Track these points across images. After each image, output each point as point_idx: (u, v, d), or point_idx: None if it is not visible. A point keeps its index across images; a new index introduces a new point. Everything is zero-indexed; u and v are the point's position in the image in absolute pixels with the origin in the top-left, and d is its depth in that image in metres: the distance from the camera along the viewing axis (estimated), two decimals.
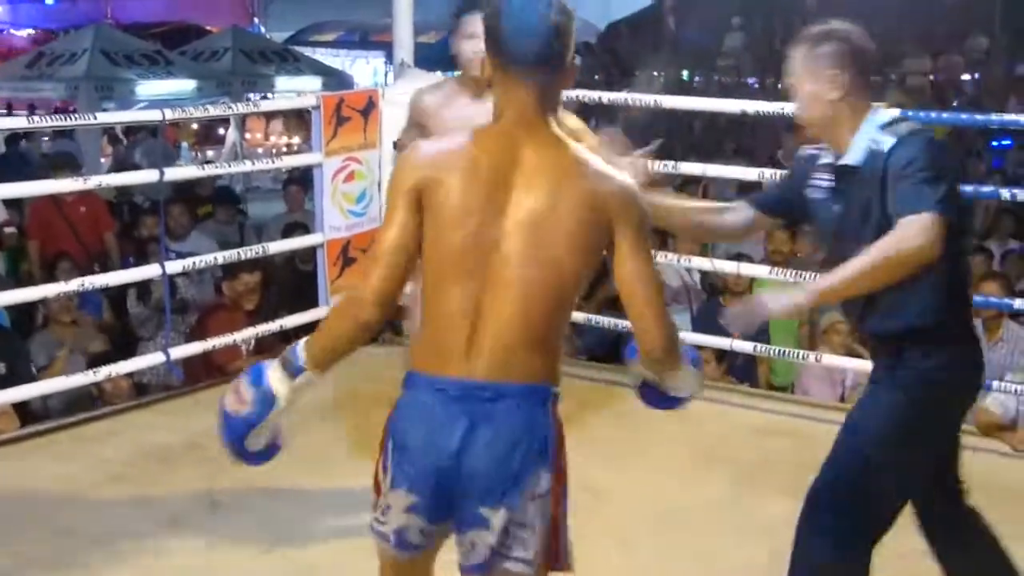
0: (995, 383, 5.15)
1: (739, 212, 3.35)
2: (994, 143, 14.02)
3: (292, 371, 2.31)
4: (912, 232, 2.72)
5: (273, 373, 2.33)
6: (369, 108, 5.96)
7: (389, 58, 22.71)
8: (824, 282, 2.92)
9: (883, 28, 22.15)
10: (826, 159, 3.11)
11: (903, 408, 2.96)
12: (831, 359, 5.55)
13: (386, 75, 20.91)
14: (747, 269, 6.03)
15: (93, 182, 5.54)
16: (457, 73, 3.98)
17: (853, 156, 2.98)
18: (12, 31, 26.74)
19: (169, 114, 5.30)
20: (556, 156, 2.32)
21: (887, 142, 2.88)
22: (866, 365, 5.36)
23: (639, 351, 2.44)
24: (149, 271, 5.60)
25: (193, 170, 8.12)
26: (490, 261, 2.26)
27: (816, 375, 5.91)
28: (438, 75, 6.26)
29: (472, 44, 3.65)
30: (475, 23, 3.53)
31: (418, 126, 3.82)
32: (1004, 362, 5.94)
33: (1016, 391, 5.05)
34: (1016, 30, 19.48)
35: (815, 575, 3.09)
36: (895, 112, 3.02)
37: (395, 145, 4.11)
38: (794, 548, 3.10)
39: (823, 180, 3.11)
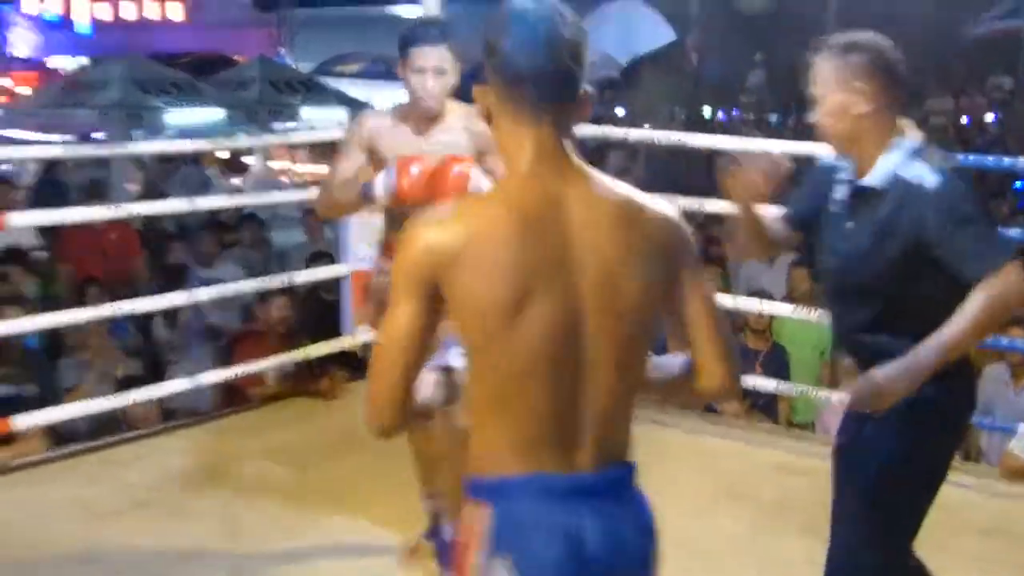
0: (1021, 426, 5.14)
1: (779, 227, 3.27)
2: (1018, 184, 13.97)
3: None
4: (1012, 287, 2.66)
5: None
6: None
7: None
8: (941, 346, 2.67)
9: (904, 66, 22.24)
10: (845, 174, 3.00)
11: (914, 425, 2.85)
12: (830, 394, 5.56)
13: None
14: (769, 307, 6.04)
15: (128, 211, 5.57)
16: (405, 103, 3.69)
17: (878, 178, 2.87)
18: (48, 60, 26.89)
19: (208, 144, 5.35)
20: (602, 198, 1.95)
21: (927, 178, 2.75)
22: None
23: (696, 387, 2.09)
24: (180, 298, 5.64)
25: (224, 199, 8.13)
26: (574, 340, 1.89)
27: (837, 414, 5.90)
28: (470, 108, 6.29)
29: (419, 79, 3.49)
30: (424, 56, 3.49)
31: (367, 150, 3.64)
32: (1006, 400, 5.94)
33: None
34: (894, 81, 19.46)
35: None
36: (920, 136, 2.90)
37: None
38: None
39: (839, 194, 3.02)
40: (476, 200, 2.08)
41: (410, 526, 4.14)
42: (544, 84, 1.89)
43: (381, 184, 3.38)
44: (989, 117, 18.72)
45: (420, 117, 3.61)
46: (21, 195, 10.43)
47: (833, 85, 2.87)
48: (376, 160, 3.61)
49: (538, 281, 1.85)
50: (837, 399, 5.40)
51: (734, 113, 23.13)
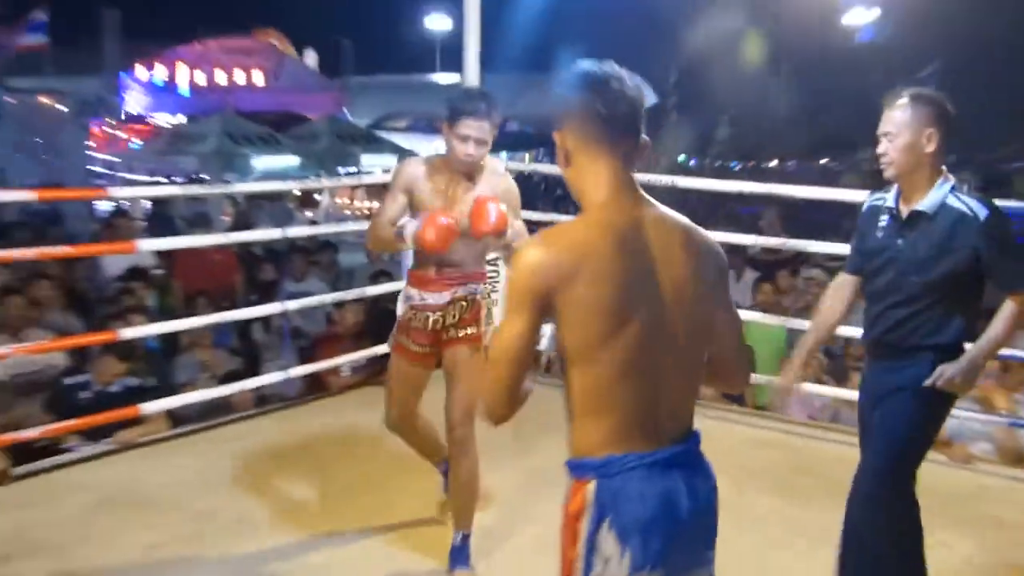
0: None
1: (846, 287, 3.37)
2: None
3: None
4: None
5: None
6: None
7: None
8: (979, 353, 2.98)
9: (840, 123, 22.28)
10: (889, 203, 3.12)
11: (934, 397, 3.03)
12: (807, 386, 5.56)
13: None
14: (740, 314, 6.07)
15: (230, 238, 5.63)
16: (441, 154, 3.54)
17: (929, 205, 2.98)
18: (154, 116, 27.08)
19: (287, 184, 5.36)
20: (669, 224, 1.97)
21: (979, 209, 2.92)
22: (833, 392, 5.42)
23: (722, 382, 2.22)
24: (273, 307, 5.70)
25: (307, 229, 8.21)
26: (659, 343, 1.90)
27: (794, 400, 5.88)
28: (496, 157, 6.31)
29: (463, 145, 3.32)
30: (470, 127, 3.31)
31: (405, 191, 3.48)
32: None
33: (953, 417, 5.03)
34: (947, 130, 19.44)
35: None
36: (949, 182, 3.01)
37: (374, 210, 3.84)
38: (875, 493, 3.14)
39: (886, 219, 3.12)
40: (574, 224, 1.96)
41: None
42: (620, 129, 1.93)
43: (410, 230, 3.33)
44: None
45: (455, 170, 3.46)
46: (138, 225, 10.48)
47: (907, 127, 2.98)
48: (415, 200, 3.48)
49: (633, 293, 1.88)
50: (784, 383, 5.42)
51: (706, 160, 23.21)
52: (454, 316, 3.52)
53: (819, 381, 5.66)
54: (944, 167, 3.03)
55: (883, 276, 3.14)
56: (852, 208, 13.85)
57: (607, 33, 29.02)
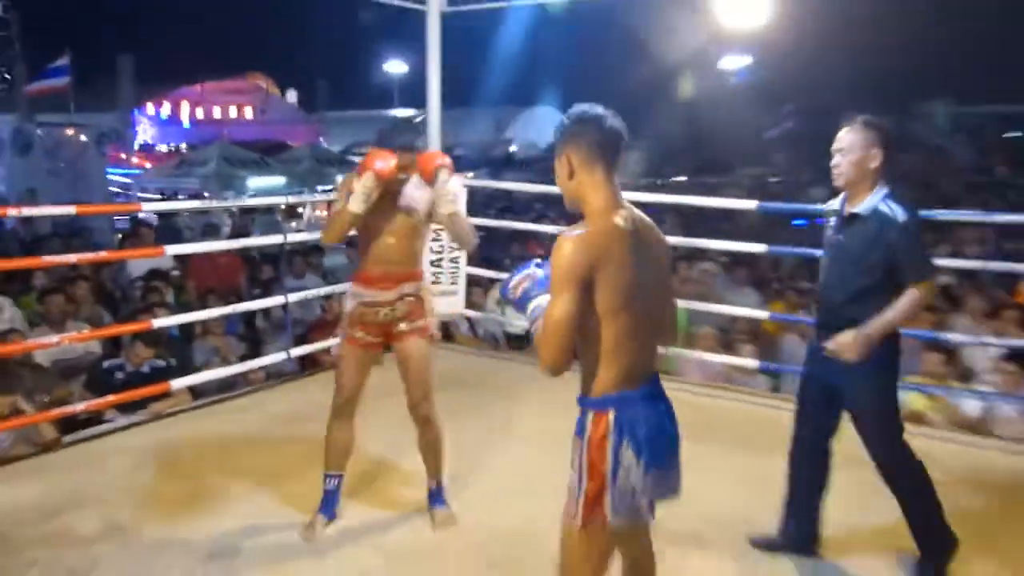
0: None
1: None
2: (794, 222, 14.29)
3: (537, 316, 2.13)
4: (928, 295, 2.97)
5: (530, 304, 2.16)
6: None
7: None
8: (873, 328, 2.94)
9: (720, 148, 22.64)
10: (837, 207, 3.16)
11: (891, 367, 3.10)
12: (705, 355, 5.65)
13: None
14: None
15: (243, 243, 5.56)
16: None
17: (864, 208, 3.01)
18: (160, 145, 26.59)
19: (275, 200, 5.23)
20: (647, 222, 2.21)
21: (899, 213, 2.94)
22: (726, 359, 5.47)
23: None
24: (275, 300, 5.63)
25: (304, 235, 8.09)
26: (652, 309, 2.15)
27: (691, 366, 5.91)
28: (455, 177, 6.28)
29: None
30: (400, 157, 3.20)
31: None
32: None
33: None
34: (804, 155, 19.98)
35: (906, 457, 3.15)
36: (885, 189, 3.03)
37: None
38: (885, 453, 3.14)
39: (835, 220, 3.18)
40: (594, 223, 2.08)
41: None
42: (612, 152, 2.15)
43: (367, 176, 3.17)
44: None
45: (390, 187, 3.28)
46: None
47: (857, 146, 3.02)
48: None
49: (639, 274, 2.10)
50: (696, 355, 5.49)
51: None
52: (402, 310, 3.40)
53: (714, 351, 5.73)
54: (883, 179, 3.04)
55: (831, 266, 3.17)
56: (731, 213, 14.09)
57: (530, 74, 29.20)
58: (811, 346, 3.31)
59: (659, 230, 2.23)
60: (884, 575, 3.22)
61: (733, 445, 4.42)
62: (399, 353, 3.46)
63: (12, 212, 4.32)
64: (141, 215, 11.81)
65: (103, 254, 5.34)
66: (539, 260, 2.25)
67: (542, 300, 2.14)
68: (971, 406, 4.71)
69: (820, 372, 3.21)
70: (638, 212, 2.19)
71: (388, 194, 3.31)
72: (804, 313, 6.38)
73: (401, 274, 3.39)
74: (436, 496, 3.59)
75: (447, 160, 3.32)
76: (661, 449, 2.15)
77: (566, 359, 2.03)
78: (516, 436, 4.54)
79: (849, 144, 3.03)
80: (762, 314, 6.14)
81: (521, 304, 2.20)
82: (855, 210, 3.05)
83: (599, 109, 2.16)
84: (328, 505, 3.50)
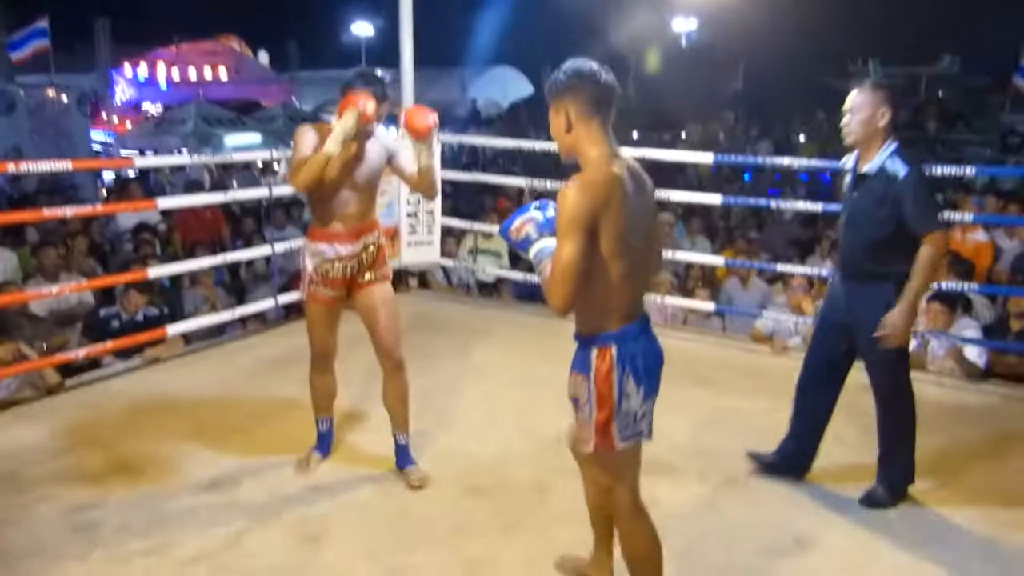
0: (762, 312, 5.35)
1: None
2: (745, 175, 14.42)
3: (540, 262, 2.12)
4: (940, 246, 2.94)
5: (539, 240, 2.14)
6: None
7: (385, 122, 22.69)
8: (912, 294, 2.95)
9: (674, 107, 22.62)
10: (850, 164, 3.16)
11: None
12: (668, 299, 5.71)
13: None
14: None
15: (230, 197, 5.43)
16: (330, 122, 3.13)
17: (871, 167, 3.02)
18: (138, 105, 25.89)
19: (252, 156, 5.12)
20: (638, 168, 2.19)
21: (901, 170, 2.94)
22: (683, 303, 5.53)
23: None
24: (264, 250, 5.54)
25: (288, 189, 7.99)
26: (644, 251, 2.17)
27: (651, 308, 5.96)
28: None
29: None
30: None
31: (314, 149, 3.03)
32: (763, 301, 6.08)
33: (772, 319, 5.22)
34: (751, 110, 20.00)
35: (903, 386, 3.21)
36: (894, 144, 3.02)
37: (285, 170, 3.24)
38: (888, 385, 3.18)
39: (849, 178, 3.18)
40: (596, 172, 2.06)
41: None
42: (607, 105, 2.13)
43: (350, 116, 2.95)
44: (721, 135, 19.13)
45: (359, 133, 3.05)
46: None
47: (866, 106, 3.01)
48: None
49: (637, 218, 2.11)
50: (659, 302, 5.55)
51: None
52: (365, 261, 3.22)
53: (670, 294, 5.79)
54: (891, 136, 3.03)
55: (847, 222, 3.17)
56: (684, 167, 14.16)
57: (487, 35, 28.81)
58: (830, 291, 3.35)
59: (648, 177, 2.21)
60: (851, 507, 3.29)
61: (693, 382, 4.50)
62: (364, 302, 3.27)
63: (12, 167, 4.17)
64: (126, 173, 11.61)
65: (99, 208, 5.23)
66: (538, 204, 2.22)
67: (544, 243, 2.14)
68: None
69: (837, 313, 3.22)
70: (631, 161, 2.18)
71: (350, 144, 3.08)
72: (754, 260, 6.47)
73: (362, 227, 3.20)
74: (406, 454, 3.41)
75: (435, 117, 3.16)
76: (655, 378, 2.22)
77: (574, 299, 2.03)
78: (491, 374, 4.58)
79: (859, 104, 3.03)
80: (718, 260, 6.21)
81: (524, 246, 2.18)
82: (865, 170, 3.05)
83: (593, 64, 2.12)
84: (323, 444, 3.50)
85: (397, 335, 3.31)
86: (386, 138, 3.27)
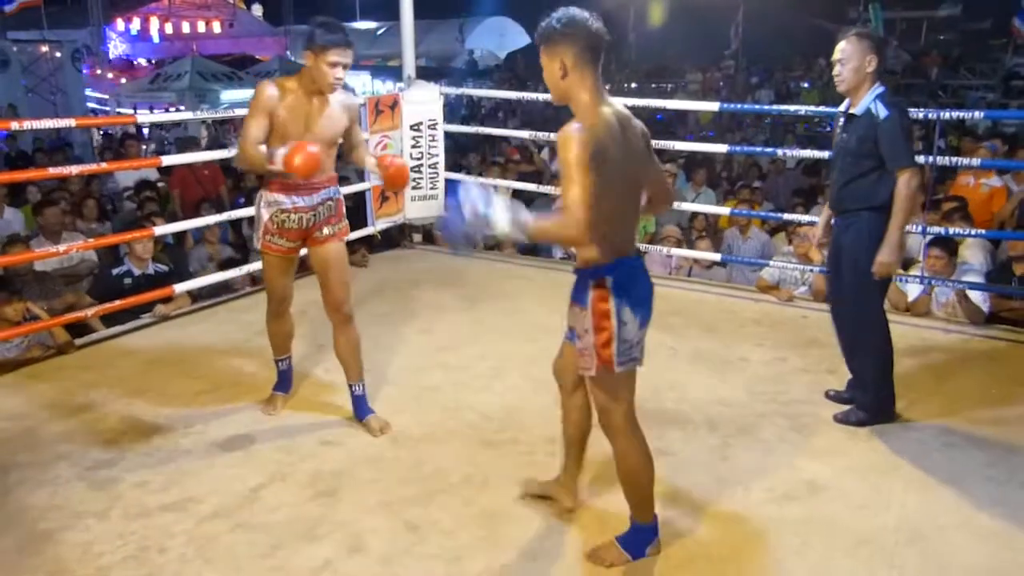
0: (767, 263, 5.33)
1: None
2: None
3: (520, 224, 2.09)
4: (913, 183, 3.13)
5: (499, 211, 2.08)
6: (395, 105, 5.82)
7: (374, 75, 22.27)
8: (893, 236, 3.15)
9: (674, 55, 22.31)
10: (843, 108, 3.34)
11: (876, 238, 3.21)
12: (670, 250, 5.69)
13: (373, 86, 20.55)
14: None
15: (226, 154, 5.36)
16: (291, 76, 3.12)
17: (859, 109, 3.22)
18: (133, 61, 25.51)
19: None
20: (627, 112, 2.30)
21: (881, 111, 3.13)
22: (687, 253, 5.51)
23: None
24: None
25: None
26: (637, 190, 2.33)
27: (655, 260, 5.95)
28: (432, 84, 6.14)
29: (332, 70, 2.97)
30: (341, 54, 2.97)
31: (265, 114, 3.01)
32: (763, 251, 6.08)
33: (779, 267, 5.20)
34: (749, 57, 19.75)
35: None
36: (881, 88, 3.21)
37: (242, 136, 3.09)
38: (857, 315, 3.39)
39: (841, 120, 3.36)
40: (592, 116, 2.16)
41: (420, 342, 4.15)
42: (599, 52, 2.23)
43: (280, 156, 2.93)
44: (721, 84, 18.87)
45: (314, 92, 3.04)
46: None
47: (854, 54, 3.19)
48: (275, 121, 3.03)
49: (631, 158, 2.23)
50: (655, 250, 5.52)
51: None
52: (322, 214, 3.21)
53: (677, 247, 5.78)
54: (879, 80, 3.23)
55: (836, 159, 3.40)
56: (684, 117, 14.09)
57: None
58: (833, 230, 3.51)
59: (637, 119, 2.31)
60: (862, 451, 3.32)
61: (700, 331, 4.50)
62: (318, 256, 3.27)
63: (15, 125, 4.10)
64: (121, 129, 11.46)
65: (103, 165, 5.16)
66: (452, 195, 2.14)
67: (502, 211, 2.09)
68: (913, 290, 4.82)
69: (834, 246, 3.46)
70: (619, 106, 2.29)
71: (312, 99, 3.06)
72: (758, 210, 6.43)
73: (322, 180, 3.18)
74: (363, 404, 3.43)
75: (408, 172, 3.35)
76: (648, 308, 2.34)
77: (593, 226, 2.09)
78: (497, 327, 4.57)
79: (848, 54, 3.20)
80: (723, 210, 6.18)
81: (486, 220, 2.09)
82: (853, 111, 3.25)
83: (585, 13, 2.21)
84: (284, 382, 3.60)
85: (347, 290, 3.33)
86: (348, 99, 3.24)
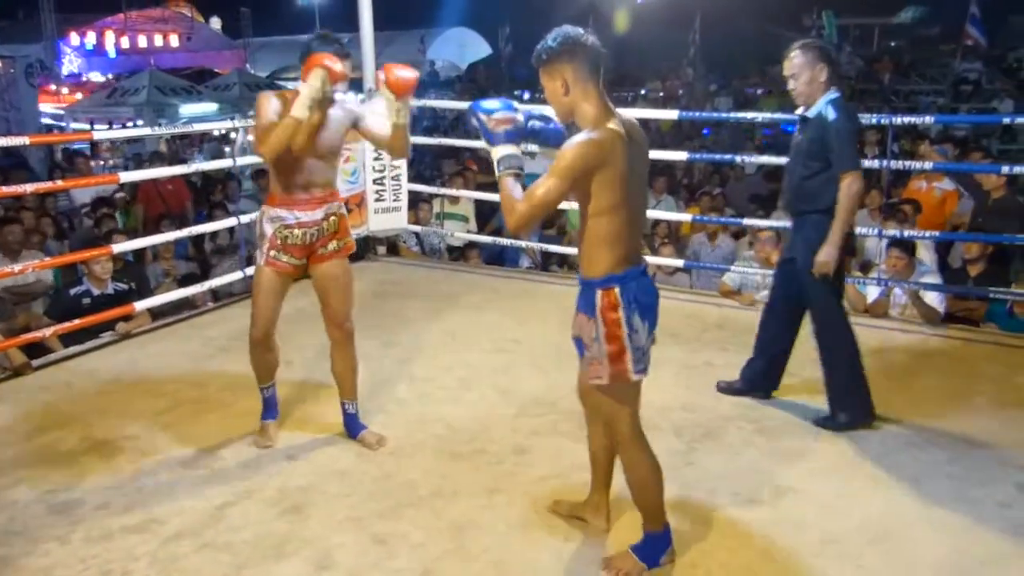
0: (729, 268, 5.38)
1: None
2: (705, 131, 14.38)
3: (511, 163, 2.25)
4: (854, 187, 3.23)
5: (503, 148, 2.26)
6: None
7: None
8: (833, 236, 3.26)
9: (633, 64, 22.52)
10: (800, 111, 3.44)
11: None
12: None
13: None
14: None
15: (195, 167, 5.33)
16: (292, 89, 3.06)
17: (811, 112, 3.34)
18: (87, 75, 25.11)
19: (209, 126, 5.02)
20: (633, 121, 2.31)
21: (831, 114, 3.24)
22: (651, 259, 5.56)
23: None
24: (230, 222, 5.43)
25: (253, 159, 7.78)
26: (642, 200, 2.35)
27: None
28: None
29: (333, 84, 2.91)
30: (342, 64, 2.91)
31: (279, 115, 2.92)
32: (726, 256, 6.14)
33: (740, 272, 5.26)
34: (707, 65, 20.01)
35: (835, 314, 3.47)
36: (835, 93, 3.33)
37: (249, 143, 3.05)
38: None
39: (798, 125, 3.48)
40: (598, 126, 2.19)
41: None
42: (599, 67, 2.25)
43: (316, 77, 2.83)
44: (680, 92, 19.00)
45: (323, 98, 2.95)
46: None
47: (806, 65, 3.31)
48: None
49: (635, 170, 2.24)
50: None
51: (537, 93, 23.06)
52: (326, 230, 3.14)
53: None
54: (833, 85, 3.34)
55: (790, 161, 3.52)
56: (646, 125, 14.18)
57: None
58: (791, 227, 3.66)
59: (642, 130, 2.33)
60: (826, 455, 3.36)
61: (664, 337, 4.51)
62: (321, 273, 3.20)
63: None
64: (74, 146, 11.28)
65: (59, 183, 5.09)
66: (523, 110, 2.34)
67: (510, 150, 2.28)
68: (872, 292, 4.90)
69: (787, 250, 3.63)
70: (627, 116, 2.30)
71: (314, 109, 2.95)
72: (719, 216, 6.50)
73: (324, 195, 3.13)
74: (356, 421, 3.39)
75: (417, 73, 3.04)
76: (655, 315, 2.36)
77: (531, 229, 2.23)
78: (465, 338, 4.56)
79: (799, 68, 3.32)
80: (685, 217, 6.24)
81: (491, 139, 2.29)
82: (807, 114, 3.39)
83: (580, 30, 2.25)
84: (271, 410, 3.44)
85: (349, 307, 3.26)
86: (348, 103, 3.21)
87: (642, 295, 2.29)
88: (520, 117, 2.32)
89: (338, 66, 2.89)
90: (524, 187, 2.25)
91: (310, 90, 2.86)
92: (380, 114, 3.16)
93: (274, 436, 3.39)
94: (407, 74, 2.98)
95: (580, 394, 2.64)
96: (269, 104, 2.98)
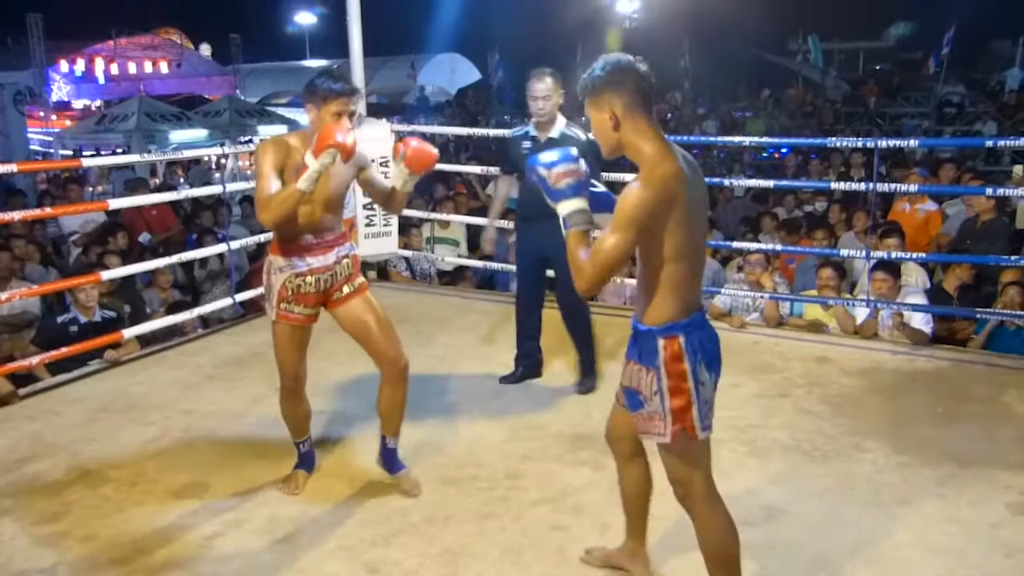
0: (719, 291, 5.40)
1: None
2: (695, 152, 14.50)
3: (578, 219, 2.06)
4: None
5: (569, 203, 2.06)
6: None
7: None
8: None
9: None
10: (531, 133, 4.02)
11: None
12: (623, 280, 5.72)
13: None
14: None
15: (184, 194, 5.32)
16: (295, 131, 2.97)
17: (556, 133, 3.92)
18: (75, 102, 25.11)
19: (200, 152, 5.03)
20: (690, 159, 2.11)
21: (580, 134, 3.85)
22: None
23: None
24: (220, 248, 5.43)
25: (243, 184, 7.75)
26: (703, 246, 2.16)
27: (609, 290, 5.98)
28: (383, 122, 6.15)
29: (340, 123, 2.74)
30: (342, 104, 2.77)
31: (277, 170, 2.76)
32: (713, 280, 6.14)
33: (730, 295, 5.28)
34: (696, 90, 20.16)
35: None
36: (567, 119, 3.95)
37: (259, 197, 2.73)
38: None
39: (530, 144, 3.99)
40: (659, 166, 1.98)
41: None
42: (652, 95, 2.06)
43: (312, 155, 2.66)
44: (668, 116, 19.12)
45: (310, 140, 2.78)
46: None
47: (554, 93, 3.89)
48: (285, 179, 2.76)
49: (698, 215, 2.09)
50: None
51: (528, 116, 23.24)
52: (339, 274, 3.01)
53: (631, 277, 5.81)
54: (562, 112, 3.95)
55: (527, 178, 3.61)
56: None
57: (441, 21, 28.58)
58: (520, 234, 4.23)
59: (699, 167, 2.15)
60: (816, 475, 3.36)
61: None
62: (350, 315, 3.04)
63: None
64: (66, 173, 11.27)
65: (48, 211, 5.07)
66: (577, 154, 2.12)
67: (578, 205, 2.07)
68: (861, 313, 4.92)
69: (533, 247, 4.07)
70: (685, 152, 2.10)
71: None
72: (709, 238, 6.53)
73: (335, 239, 3.00)
74: (396, 459, 3.24)
75: (436, 152, 2.99)
76: (719, 364, 2.19)
77: (602, 287, 2.07)
78: (456, 363, 4.56)
79: (548, 92, 3.85)
80: None
81: (554, 196, 2.08)
82: (551, 135, 3.90)
83: (630, 57, 2.06)
84: (308, 462, 3.30)
85: (396, 340, 3.07)
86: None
87: (707, 344, 2.12)
88: (583, 166, 2.10)
89: (350, 139, 2.69)
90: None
91: (320, 167, 2.68)
92: (368, 140, 3.15)
93: (302, 486, 3.22)
94: (427, 153, 2.94)
95: (611, 437, 2.48)
96: (266, 160, 2.78)
